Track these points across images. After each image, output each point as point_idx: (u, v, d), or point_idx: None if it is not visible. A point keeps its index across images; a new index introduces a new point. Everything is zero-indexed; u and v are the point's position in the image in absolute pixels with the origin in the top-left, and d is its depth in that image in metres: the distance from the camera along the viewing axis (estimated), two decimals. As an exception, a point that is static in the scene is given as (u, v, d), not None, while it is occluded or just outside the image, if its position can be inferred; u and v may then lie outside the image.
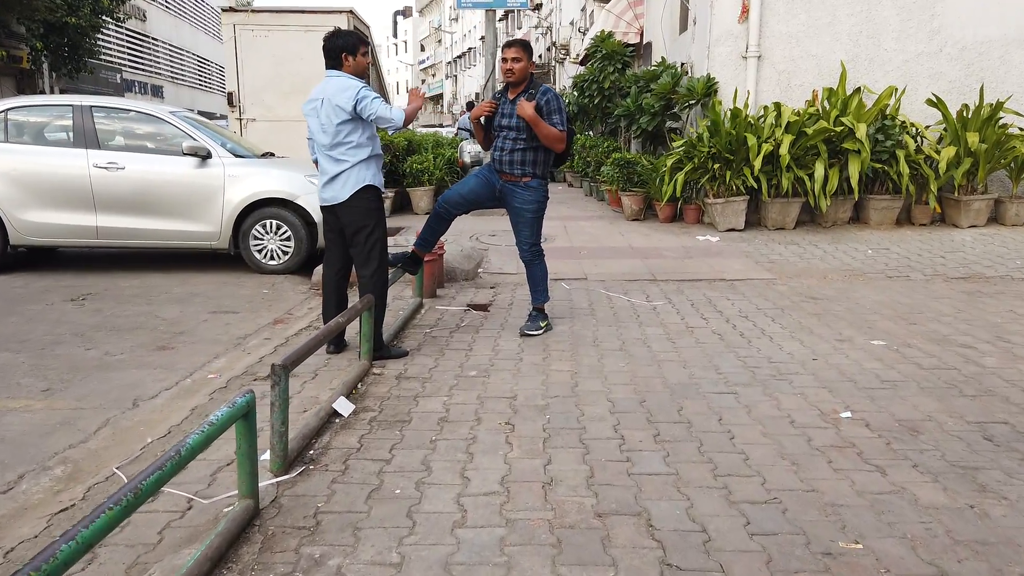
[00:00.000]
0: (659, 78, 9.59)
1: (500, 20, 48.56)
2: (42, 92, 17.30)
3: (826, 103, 8.57)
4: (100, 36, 18.89)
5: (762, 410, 3.44)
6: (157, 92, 26.85)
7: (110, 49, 22.79)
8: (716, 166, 8.29)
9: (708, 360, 4.21)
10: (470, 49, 56.51)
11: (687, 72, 9.70)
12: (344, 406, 3.41)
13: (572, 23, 23.65)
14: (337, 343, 4.32)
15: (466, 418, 3.36)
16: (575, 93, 12.75)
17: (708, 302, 5.64)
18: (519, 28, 38.98)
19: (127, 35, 24.41)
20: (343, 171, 4.07)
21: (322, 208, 4.23)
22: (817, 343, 4.53)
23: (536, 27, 33.81)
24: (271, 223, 6.86)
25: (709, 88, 8.83)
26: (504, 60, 4.51)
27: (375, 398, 3.63)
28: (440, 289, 6.15)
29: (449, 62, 66.16)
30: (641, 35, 13.62)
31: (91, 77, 19.96)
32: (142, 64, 25.84)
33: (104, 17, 17.81)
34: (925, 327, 4.84)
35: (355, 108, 3.94)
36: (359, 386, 3.78)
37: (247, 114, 10.11)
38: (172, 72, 28.92)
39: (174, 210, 6.78)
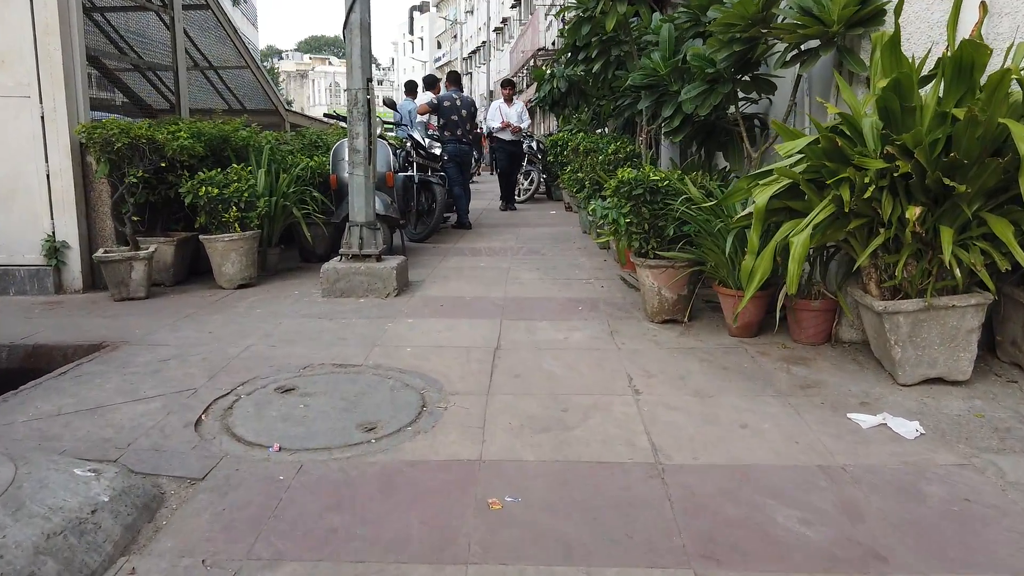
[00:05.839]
0: (727, -2, 4.15)
1: (512, 6, 43.31)
2: None
3: None
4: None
5: None
6: None
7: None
8: (914, 212, 2.85)
9: None
10: (484, 43, 51.36)
11: (794, -18, 4.22)
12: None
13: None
14: None
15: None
16: (562, 62, 7.37)
17: None
18: (531, 12, 33.63)
19: None
20: None
21: None
22: None
23: (550, 7, 28.40)
24: None
25: (870, 7, 3.39)
26: None
27: None
28: None
29: (464, 58, 61.26)
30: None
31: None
32: None
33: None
34: None
35: None
36: None
37: None
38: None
39: None
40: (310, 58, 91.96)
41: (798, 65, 3.81)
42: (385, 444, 2.70)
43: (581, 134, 9.47)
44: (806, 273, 3.68)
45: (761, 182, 3.33)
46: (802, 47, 3.82)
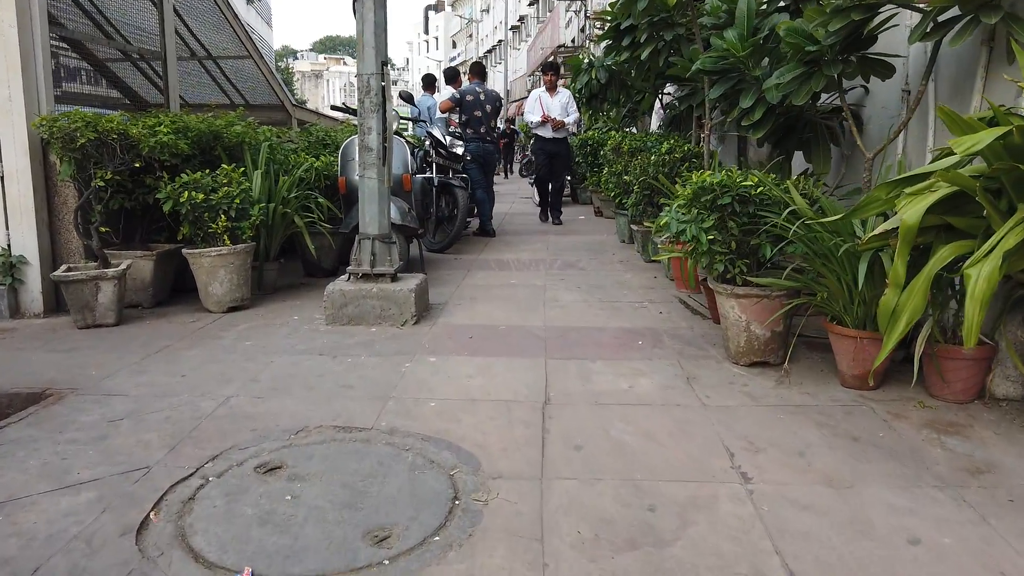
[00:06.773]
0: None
1: (530, 4, 42.43)
2: None
3: None
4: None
5: None
6: None
7: None
8: None
9: None
10: (500, 42, 50.58)
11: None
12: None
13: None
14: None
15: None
16: (600, 50, 6.55)
17: None
18: (550, 10, 32.74)
19: None
20: None
21: None
22: None
23: (571, 3, 27.49)
24: None
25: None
26: None
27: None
28: None
29: (480, 57, 60.53)
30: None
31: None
32: None
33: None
34: None
35: None
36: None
37: None
38: None
39: None
40: (325, 58, 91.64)
41: (942, 37, 2.95)
42: (403, 568, 1.87)
43: (613, 132, 8.62)
44: (953, 311, 2.82)
45: (907, 190, 2.47)
46: (939, 18, 2.97)
